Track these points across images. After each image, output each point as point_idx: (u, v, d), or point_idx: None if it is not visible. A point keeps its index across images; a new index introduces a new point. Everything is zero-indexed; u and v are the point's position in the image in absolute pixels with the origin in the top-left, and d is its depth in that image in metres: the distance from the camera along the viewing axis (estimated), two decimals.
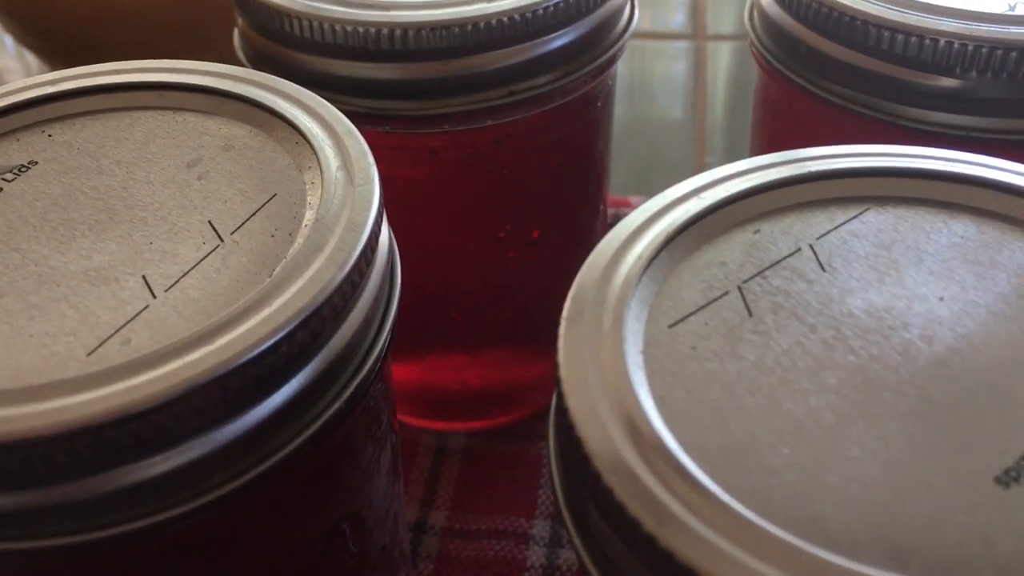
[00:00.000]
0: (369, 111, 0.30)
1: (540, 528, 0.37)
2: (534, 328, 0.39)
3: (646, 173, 0.59)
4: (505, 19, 0.29)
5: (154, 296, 0.20)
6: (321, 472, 0.22)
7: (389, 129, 0.31)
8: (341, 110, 0.30)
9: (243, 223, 0.22)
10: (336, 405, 0.21)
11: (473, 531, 0.37)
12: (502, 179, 0.33)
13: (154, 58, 0.52)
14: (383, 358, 0.23)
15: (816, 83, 0.30)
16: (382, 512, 0.26)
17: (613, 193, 0.54)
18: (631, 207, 0.52)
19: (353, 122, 0.31)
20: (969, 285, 0.20)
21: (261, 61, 0.32)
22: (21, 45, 0.57)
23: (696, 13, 0.76)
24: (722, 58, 0.71)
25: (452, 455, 0.40)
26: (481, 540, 0.37)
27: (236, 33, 0.33)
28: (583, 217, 0.38)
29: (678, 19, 0.78)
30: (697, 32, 0.74)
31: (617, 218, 0.51)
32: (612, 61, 0.33)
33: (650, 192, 0.54)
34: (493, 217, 0.35)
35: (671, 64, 0.72)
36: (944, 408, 0.17)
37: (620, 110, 0.66)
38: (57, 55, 0.56)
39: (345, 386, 0.21)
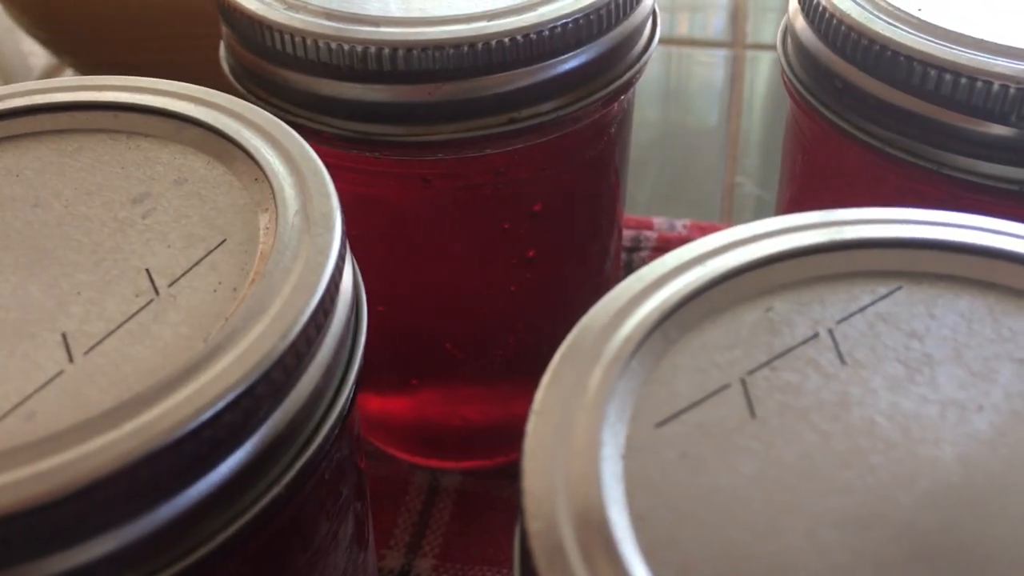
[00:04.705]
0: (355, 135, 0.28)
1: None
2: (540, 361, 0.37)
3: (673, 191, 0.56)
4: (506, 40, 0.26)
5: (71, 360, 0.18)
6: (259, 561, 0.20)
7: (378, 155, 0.28)
8: (326, 133, 0.28)
9: (184, 273, 0.19)
10: (275, 490, 0.18)
11: None
12: (502, 210, 0.31)
13: (158, 53, 0.50)
14: (341, 427, 0.20)
15: (851, 121, 0.27)
16: None
17: (636, 213, 0.51)
18: (653, 229, 0.49)
19: (339, 146, 0.28)
20: (1015, 392, 0.17)
21: (245, 76, 0.29)
22: (31, 37, 0.56)
23: (736, 19, 0.73)
24: (762, 68, 0.68)
25: (445, 496, 0.38)
26: None
27: (222, 44, 0.31)
28: (593, 249, 0.35)
29: (717, 24, 0.74)
30: (736, 40, 0.70)
31: (637, 241, 0.48)
32: (628, 86, 0.30)
33: (674, 213, 0.51)
34: (492, 247, 0.32)
35: (707, 72, 0.68)
36: (980, 559, 0.14)
37: (652, 117, 0.63)
38: (64, 48, 0.54)
39: (288, 468, 0.18)
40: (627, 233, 0.48)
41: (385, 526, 0.36)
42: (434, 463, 0.38)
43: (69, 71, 0.61)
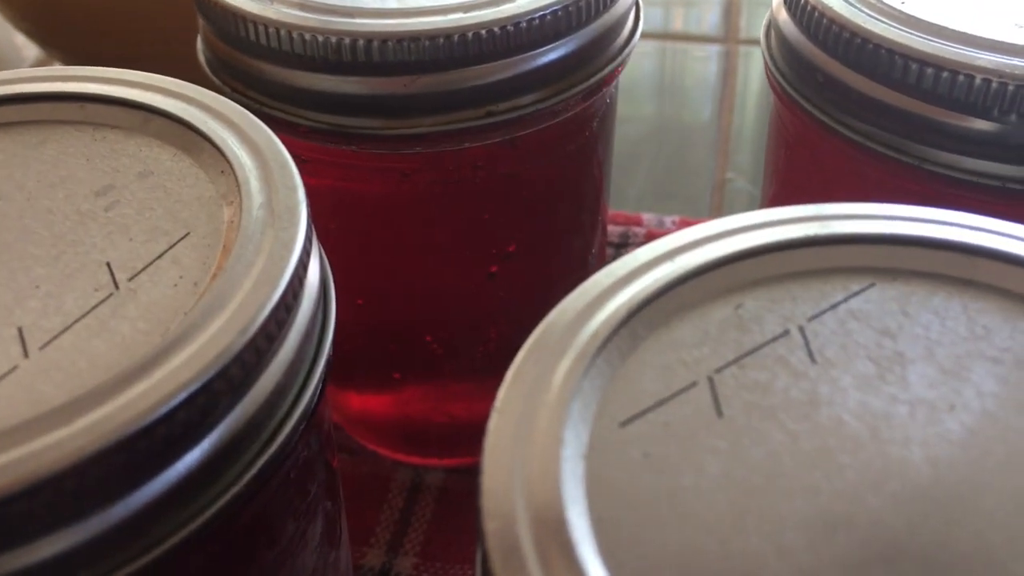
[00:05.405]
0: (332, 128, 0.27)
1: None
2: None
3: (664, 187, 0.56)
4: (483, 32, 0.26)
5: (27, 355, 0.17)
6: (223, 559, 0.19)
7: (355, 148, 0.28)
8: (303, 127, 0.27)
9: (145, 267, 0.19)
10: (235, 489, 0.18)
11: None
12: (481, 205, 0.30)
13: (150, 47, 0.49)
14: (307, 424, 0.20)
15: (833, 116, 0.27)
16: None
17: (627, 208, 0.51)
18: (641, 226, 0.49)
19: (316, 140, 0.28)
20: (987, 391, 0.16)
21: (221, 68, 0.29)
22: (16, 29, 0.55)
23: (730, 15, 0.72)
24: (755, 64, 0.68)
25: (427, 493, 0.37)
26: None
27: (199, 37, 0.30)
28: (575, 243, 0.35)
29: (711, 20, 0.74)
30: (729, 36, 0.70)
31: (625, 237, 0.48)
32: (610, 79, 0.30)
33: (665, 209, 0.51)
34: (471, 241, 0.31)
35: (700, 67, 0.68)
36: (948, 563, 0.14)
37: (645, 112, 0.62)
38: (50, 41, 0.54)
39: (249, 466, 0.18)
40: (615, 229, 0.48)
41: (366, 523, 0.36)
42: (417, 460, 0.38)
43: (58, 64, 0.60)
